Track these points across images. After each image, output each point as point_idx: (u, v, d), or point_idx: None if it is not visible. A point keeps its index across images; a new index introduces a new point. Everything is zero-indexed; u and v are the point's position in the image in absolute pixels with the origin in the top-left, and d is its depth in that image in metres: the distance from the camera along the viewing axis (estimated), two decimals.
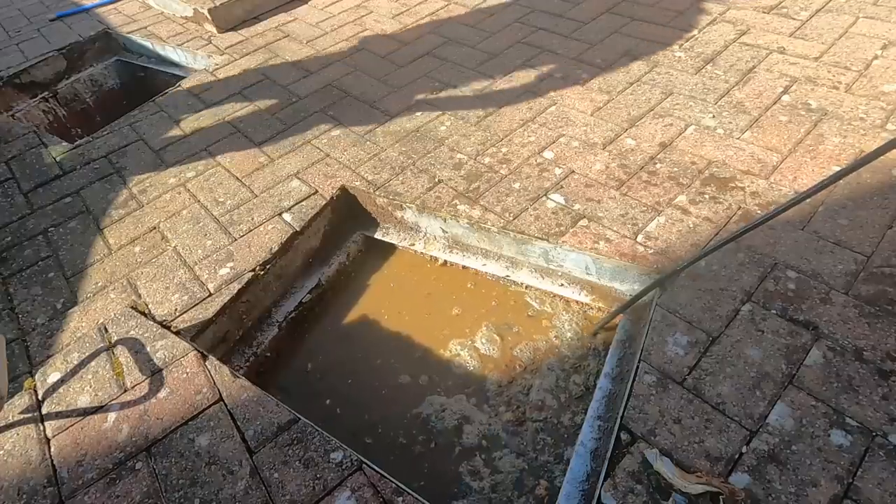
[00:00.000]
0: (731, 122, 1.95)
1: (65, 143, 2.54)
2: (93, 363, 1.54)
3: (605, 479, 1.13)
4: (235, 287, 1.70)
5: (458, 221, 1.80)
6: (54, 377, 1.52)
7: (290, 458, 1.25)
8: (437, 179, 1.94)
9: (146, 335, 1.58)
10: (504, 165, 1.95)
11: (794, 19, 2.42)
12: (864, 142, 1.77)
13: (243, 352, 1.75)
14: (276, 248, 1.80)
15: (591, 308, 1.71)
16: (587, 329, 1.68)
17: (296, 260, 1.91)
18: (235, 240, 1.86)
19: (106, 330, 1.62)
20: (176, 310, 1.66)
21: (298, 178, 2.07)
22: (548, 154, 1.97)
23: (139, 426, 1.36)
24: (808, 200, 1.61)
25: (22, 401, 1.49)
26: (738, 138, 1.88)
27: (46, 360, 1.58)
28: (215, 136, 2.40)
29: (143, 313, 1.67)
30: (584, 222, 1.68)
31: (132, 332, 1.60)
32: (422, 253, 1.96)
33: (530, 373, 1.62)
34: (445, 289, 1.91)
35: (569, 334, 1.68)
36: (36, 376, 1.54)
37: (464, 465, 1.46)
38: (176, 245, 1.89)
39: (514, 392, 1.59)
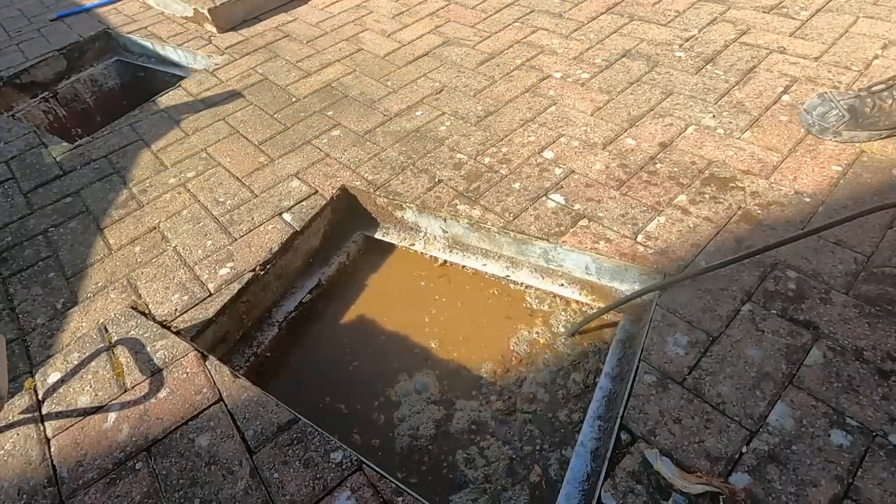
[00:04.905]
0: (731, 122, 1.95)
1: (65, 143, 2.54)
2: (93, 363, 1.54)
3: (605, 479, 1.13)
4: (235, 287, 1.70)
5: (458, 221, 1.80)
6: (54, 377, 1.52)
7: (290, 458, 1.25)
8: (437, 179, 1.94)
9: (146, 335, 1.58)
10: (504, 165, 1.95)
11: (794, 19, 2.42)
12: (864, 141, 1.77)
13: (243, 352, 1.75)
14: (277, 248, 1.80)
15: (591, 308, 1.70)
16: (568, 328, 1.69)
17: (296, 260, 1.91)
18: (235, 240, 1.86)
19: (106, 330, 1.63)
20: (176, 310, 1.66)
21: (298, 178, 2.07)
22: (548, 154, 1.97)
23: (139, 426, 1.36)
24: (807, 200, 1.61)
25: (22, 401, 1.49)
26: (738, 138, 1.88)
27: (46, 360, 1.58)
28: (215, 136, 2.41)
29: (143, 313, 1.67)
30: (584, 222, 1.68)
31: (132, 332, 1.60)
32: (422, 253, 1.96)
33: (525, 367, 1.62)
34: (445, 288, 1.91)
35: (566, 334, 1.68)
36: (36, 376, 1.54)
37: (459, 454, 1.47)
38: (176, 245, 1.89)
39: (507, 384, 1.60)
